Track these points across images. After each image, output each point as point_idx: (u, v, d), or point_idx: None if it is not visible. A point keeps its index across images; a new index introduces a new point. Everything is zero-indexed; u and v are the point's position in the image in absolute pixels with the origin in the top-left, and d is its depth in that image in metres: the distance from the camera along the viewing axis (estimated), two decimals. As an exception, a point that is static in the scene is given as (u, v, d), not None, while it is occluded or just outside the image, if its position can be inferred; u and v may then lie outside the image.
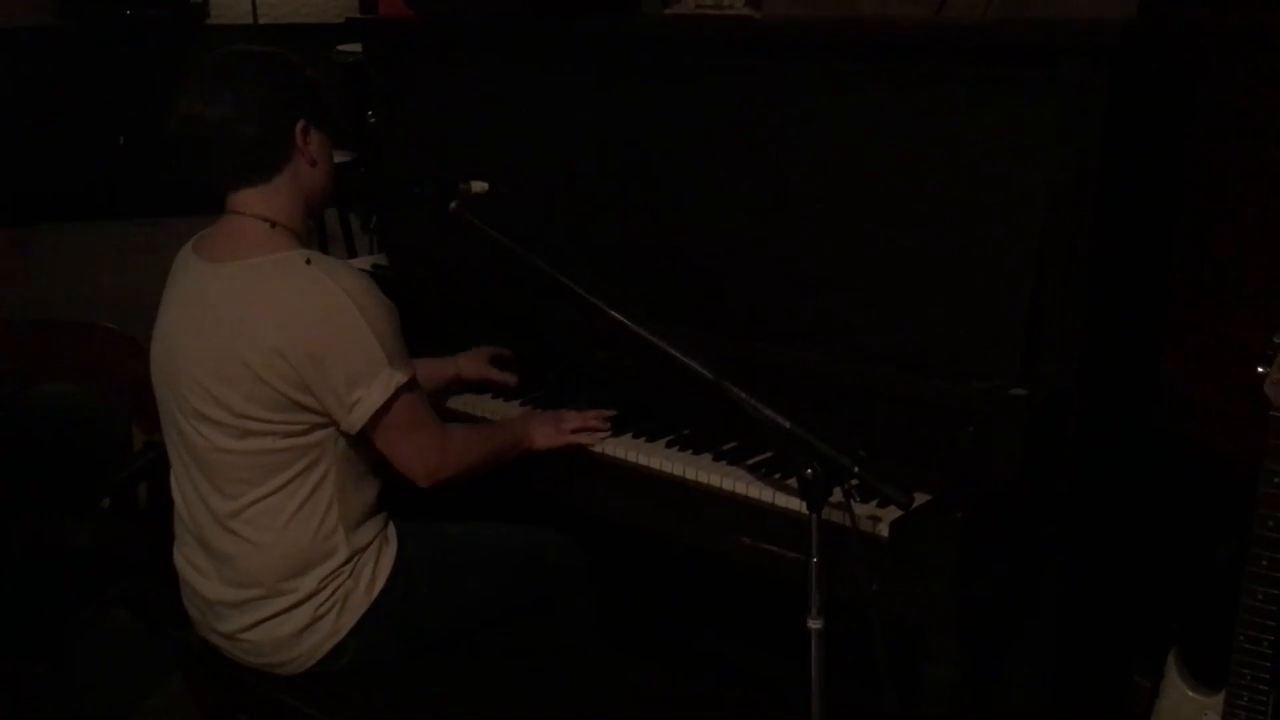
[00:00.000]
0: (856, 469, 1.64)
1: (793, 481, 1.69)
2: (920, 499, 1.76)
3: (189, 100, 1.83)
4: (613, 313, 1.92)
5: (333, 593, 1.91)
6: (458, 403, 2.30)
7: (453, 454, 1.96)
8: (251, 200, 1.88)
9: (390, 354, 1.84)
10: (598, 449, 2.10)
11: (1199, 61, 2.04)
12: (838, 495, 1.66)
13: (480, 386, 2.33)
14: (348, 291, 1.81)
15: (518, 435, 2.09)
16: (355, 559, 1.93)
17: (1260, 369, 1.72)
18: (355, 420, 1.84)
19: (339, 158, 2.01)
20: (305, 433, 1.85)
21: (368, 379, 1.82)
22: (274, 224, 1.87)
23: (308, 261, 1.84)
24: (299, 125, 1.87)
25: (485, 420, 2.24)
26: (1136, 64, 1.87)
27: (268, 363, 1.79)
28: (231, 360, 1.80)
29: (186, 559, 1.99)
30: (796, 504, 1.76)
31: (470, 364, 2.32)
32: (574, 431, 2.10)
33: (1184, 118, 2.07)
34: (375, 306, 1.84)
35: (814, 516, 1.63)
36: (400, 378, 1.85)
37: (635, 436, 2.10)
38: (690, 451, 2.03)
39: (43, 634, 2.74)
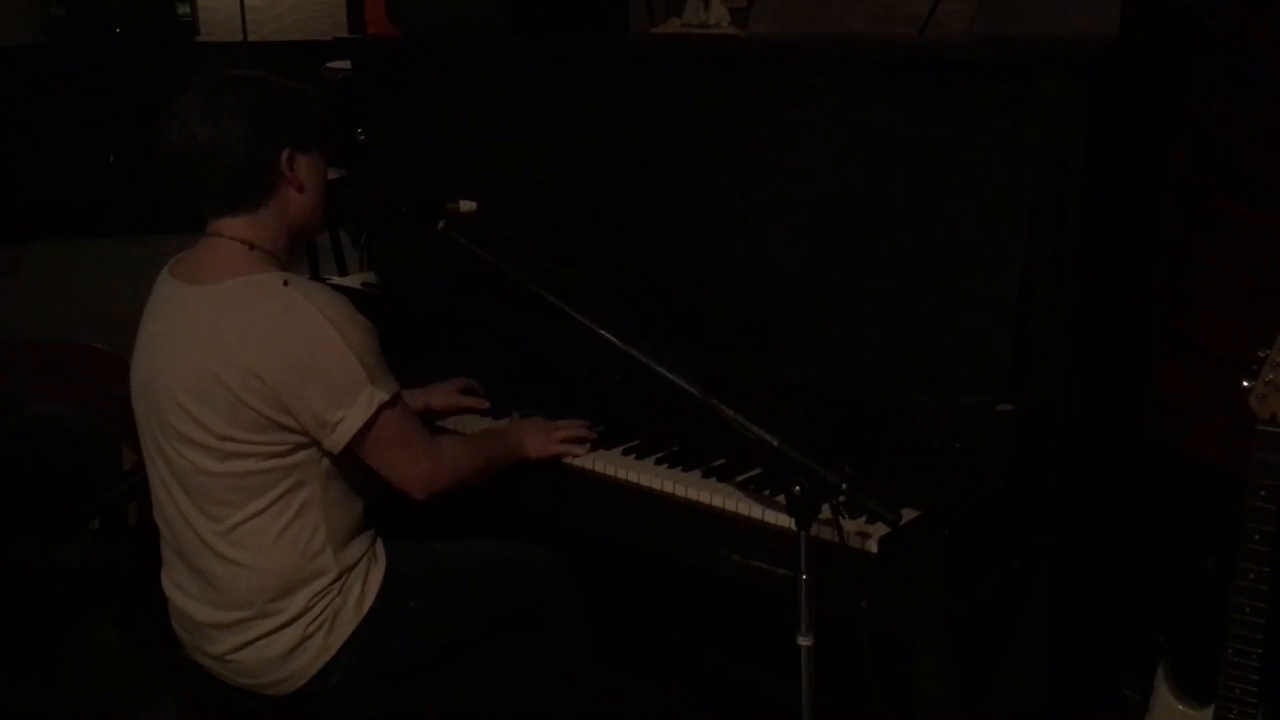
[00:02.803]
0: (844, 485, 1.64)
1: (781, 498, 1.70)
2: (909, 515, 1.76)
3: (177, 125, 1.83)
4: (601, 331, 1.92)
5: (321, 611, 1.90)
6: (448, 421, 2.30)
7: (446, 465, 1.97)
8: (234, 226, 1.88)
9: (371, 372, 1.84)
10: (587, 465, 2.10)
11: (1181, 73, 2.06)
12: (826, 512, 1.67)
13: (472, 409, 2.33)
14: (325, 312, 1.82)
15: (509, 444, 2.10)
16: (344, 577, 1.93)
17: (1245, 382, 1.73)
18: (338, 440, 1.84)
19: (329, 175, 2.01)
20: (288, 453, 1.85)
21: (349, 399, 1.82)
22: (252, 246, 1.88)
23: (285, 283, 1.84)
24: (284, 154, 1.87)
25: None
26: (1118, 78, 1.89)
27: (246, 384, 1.79)
28: (210, 381, 1.80)
29: (173, 582, 1.98)
30: (785, 520, 1.76)
31: (440, 396, 2.30)
32: (563, 440, 2.10)
33: (1167, 129, 2.09)
34: (353, 326, 1.84)
35: (803, 533, 1.63)
36: (382, 395, 1.85)
37: (625, 453, 2.10)
38: (679, 468, 2.03)
39: (31, 654, 2.73)
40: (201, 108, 1.82)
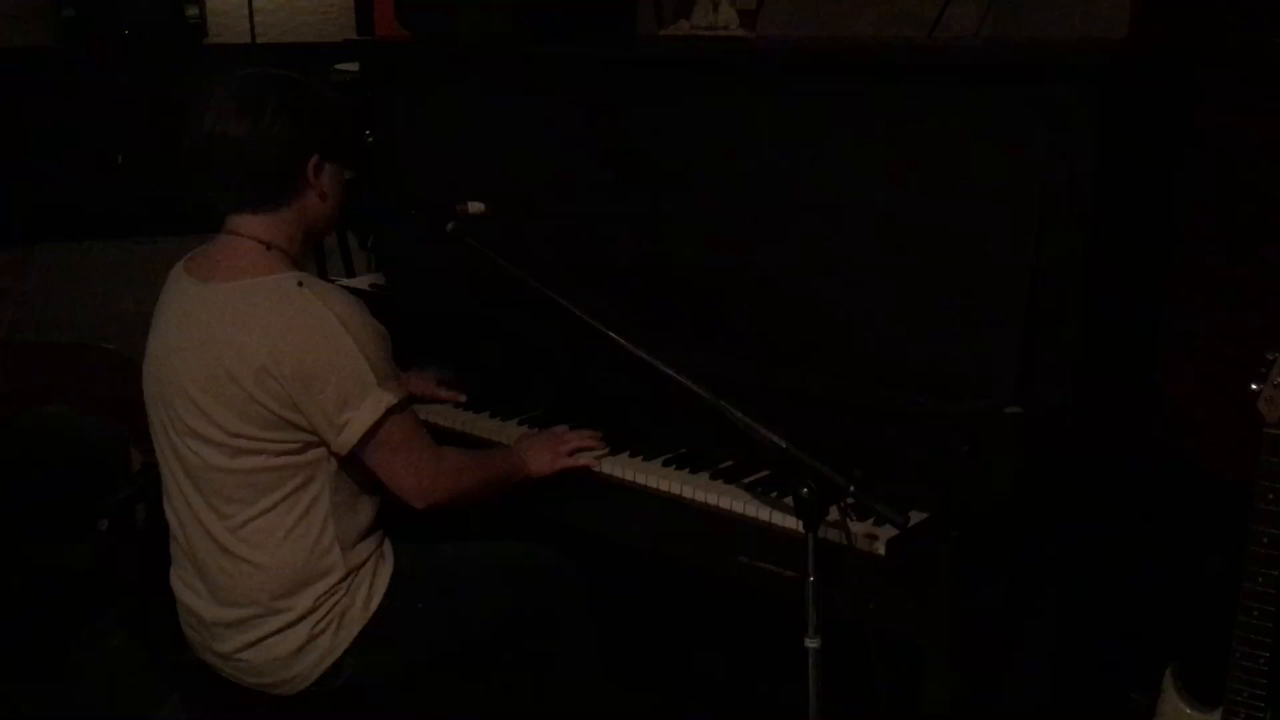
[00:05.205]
0: (852, 488, 1.64)
1: (789, 500, 1.70)
2: (916, 517, 1.76)
3: (209, 119, 1.83)
4: (609, 333, 1.93)
5: (329, 611, 1.91)
6: (456, 421, 2.31)
7: (447, 476, 1.97)
8: (252, 224, 1.89)
9: (380, 375, 1.85)
10: (594, 466, 2.10)
11: (1190, 80, 2.06)
12: (834, 514, 1.67)
13: (479, 405, 2.34)
14: (338, 314, 1.83)
15: (514, 464, 2.09)
16: (351, 576, 1.93)
17: (1253, 385, 1.73)
18: (346, 441, 1.85)
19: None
20: (299, 451, 1.86)
21: (357, 400, 1.83)
22: (269, 246, 1.88)
23: (299, 284, 1.85)
24: (312, 160, 1.88)
25: (485, 440, 2.24)
26: (1128, 83, 1.89)
27: (258, 381, 1.80)
28: (223, 378, 1.81)
29: (182, 580, 1.99)
30: (793, 523, 1.76)
31: (419, 382, 2.34)
32: (570, 454, 2.10)
33: (1177, 135, 2.09)
34: (365, 329, 1.85)
35: (810, 535, 1.64)
36: (390, 399, 1.86)
37: (632, 455, 2.10)
38: (687, 470, 2.04)
39: (41, 655, 2.74)
40: (240, 102, 1.83)
